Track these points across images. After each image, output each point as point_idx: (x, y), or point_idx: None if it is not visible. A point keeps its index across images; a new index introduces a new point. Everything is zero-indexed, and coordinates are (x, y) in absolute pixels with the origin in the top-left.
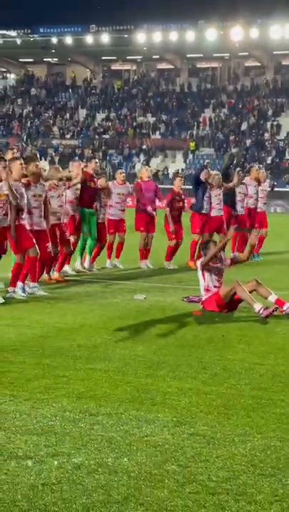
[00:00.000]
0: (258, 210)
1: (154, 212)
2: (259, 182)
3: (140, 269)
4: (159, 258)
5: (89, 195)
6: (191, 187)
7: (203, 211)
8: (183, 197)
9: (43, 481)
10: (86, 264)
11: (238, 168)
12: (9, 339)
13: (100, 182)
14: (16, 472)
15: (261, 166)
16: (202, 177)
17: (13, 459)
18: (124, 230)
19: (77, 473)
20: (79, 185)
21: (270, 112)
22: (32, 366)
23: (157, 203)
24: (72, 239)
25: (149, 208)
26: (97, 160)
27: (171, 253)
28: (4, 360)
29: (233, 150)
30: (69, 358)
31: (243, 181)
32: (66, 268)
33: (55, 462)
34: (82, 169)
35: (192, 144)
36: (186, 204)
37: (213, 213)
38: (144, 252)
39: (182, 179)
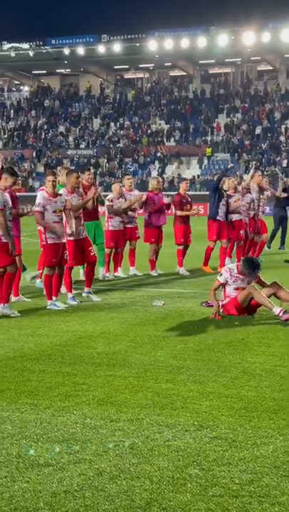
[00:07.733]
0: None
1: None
2: (261, 189)
3: (155, 276)
4: (172, 264)
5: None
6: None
7: (218, 218)
8: (190, 200)
9: (65, 488)
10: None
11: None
12: (29, 348)
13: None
14: (38, 480)
15: (260, 172)
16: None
17: (35, 467)
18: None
19: (99, 480)
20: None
21: (283, 115)
22: (52, 374)
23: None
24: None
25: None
26: (91, 172)
27: (182, 257)
28: (24, 369)
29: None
30: (89, 365)
31: (248, 188)
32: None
33: (77, 469)
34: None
35: (208, 150)
36: (195, 209)
37: (234, 218)
38: (154, 261)
39: (188, 183)
